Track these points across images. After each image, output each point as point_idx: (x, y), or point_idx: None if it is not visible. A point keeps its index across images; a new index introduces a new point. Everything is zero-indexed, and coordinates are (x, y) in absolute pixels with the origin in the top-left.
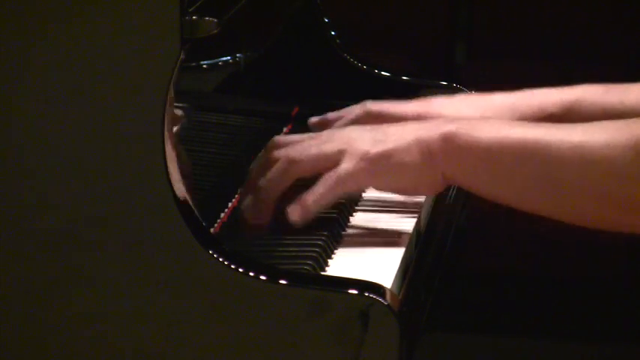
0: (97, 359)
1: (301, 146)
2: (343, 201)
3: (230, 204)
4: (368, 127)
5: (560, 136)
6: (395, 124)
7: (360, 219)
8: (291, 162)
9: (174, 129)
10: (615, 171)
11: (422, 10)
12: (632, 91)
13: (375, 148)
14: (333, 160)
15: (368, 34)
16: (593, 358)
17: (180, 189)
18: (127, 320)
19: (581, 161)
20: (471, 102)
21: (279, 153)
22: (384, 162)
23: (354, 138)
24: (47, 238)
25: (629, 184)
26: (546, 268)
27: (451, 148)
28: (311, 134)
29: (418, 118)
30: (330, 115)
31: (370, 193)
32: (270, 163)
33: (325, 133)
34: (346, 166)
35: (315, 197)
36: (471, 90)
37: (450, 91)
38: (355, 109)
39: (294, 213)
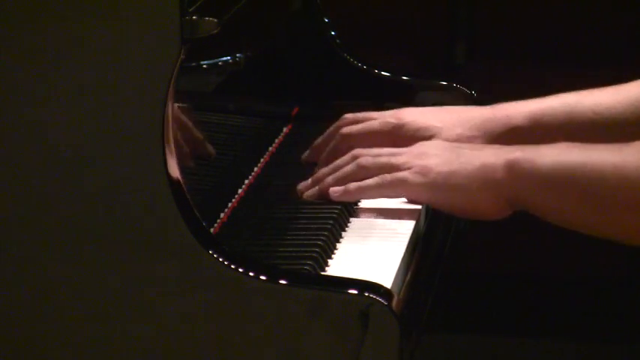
0: (96, 359)
1: (375, 155)
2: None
3: (230, 204)
4: (442, 146)
5: (602, 158)
6: (472, 146)
7: (360, 219)
8: (361, 168)
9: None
10: None
11: (422, 10)
12: (602, 97)
13: (439, 167)
14: (398, 170)
15: (368, 34)
16: (593, 358)
17: (180, 189)
18: (126, 320)
19: (619, 181)
20: (440, 114)
21: (356, 155)
22: (443, 181)
23: (427, 154)
24: (46, 238)
25: None
26: (546, 268)
27: (514, 175)
28: (395, 149)
29: (392, 130)
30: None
31: None
32: (346, 161)
33: (404, 149)
34: (404, 173)
35: (361, 186)
36: (471, 90)
37: (449, 90)
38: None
39: (335, 192)
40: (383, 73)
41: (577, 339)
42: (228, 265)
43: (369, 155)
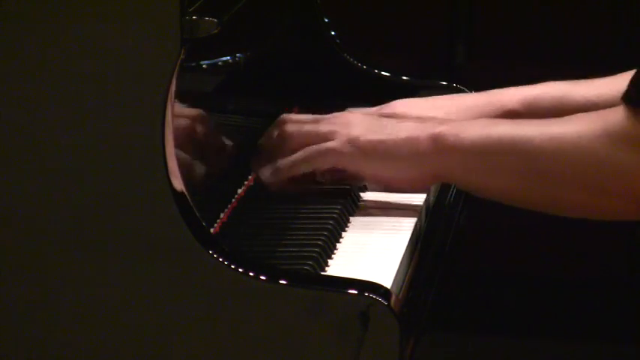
0: (96, 359)
1: (299, 124)
2: (343, 201)
3: (230, 204)
4: (369, 116)
5: (537, 129)
6: (395, 118)
7: (359, 219)
8: (286, 137)
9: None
10: (589, 159)
11: (422, 10)
12: (594, 85)
13: (365, 136)
14: (323, 138)
15: (368, 34)
16: (593, 358)
17: (180, 189)
18: (126, 320)
19: (558, 152)
20: (433, 103)
21: (281, 121)
22: (371, 150)
23: (352, 123)
24: (46, 239)
25: (602, 170)
26: (546, 268)
27: (439, 148)
28: (317, 115)
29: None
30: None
31: (370, 194)
32: (270, 137)
33: (328, 115)
34: (332, 143)
35: (289, 162)
36: (470, 90)
37: (449, 91)
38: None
39: (265, 172)
40: (383, 73)
41: (577, 339)
42: (228, 265)
43: (292, 123)
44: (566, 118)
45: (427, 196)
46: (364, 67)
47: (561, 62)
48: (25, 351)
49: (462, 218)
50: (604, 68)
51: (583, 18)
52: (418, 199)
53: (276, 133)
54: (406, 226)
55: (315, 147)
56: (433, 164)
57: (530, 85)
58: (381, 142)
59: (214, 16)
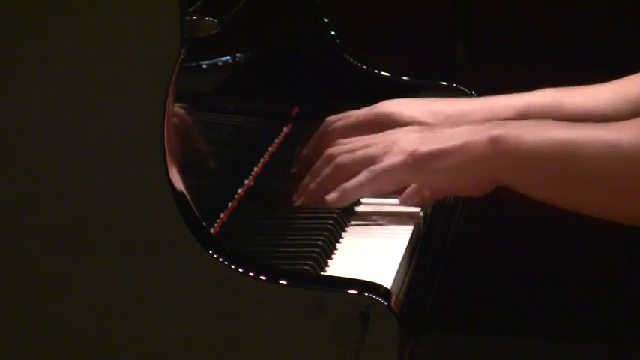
0: (95, 359)
1: (349, 151)
2: None
3: (230, 204)
4: (417, 129)
5: (594, 135)
6: (446, 126)
7: (360, 219)
8: (340, 167)
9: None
10: None
11: (422, 10)
12: (592, 93)
13: (422, 147)
14: (378, 160)
15: (368, 34)
16: (593, 358)
17: (179, 189)
18: (126, 320)
19: (612, 159)
20: (426, 106)
21: (330, 155)
22: (430, 161)
23: (401, 139)
24: (46, 239)
25: None
26: (546, 268)
27: (499, 151)
28: (361, 137)
29: (375, 119)
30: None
31: None
32: (321, 164)
33: (373, 137)
34: (391, 159)
35: (356, 186)
36: (471, 90)
37: (449, 91)
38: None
39: (333, 198)
40: (383, 73)
41: (577, 339)
42: (228, 265)
43: (344, 152)
44: (623, 123)
45: None
46: (364, 67)
47: (561, 62)
48: (25, 351)
49: (462, 218)
50: (604, 68)
51: (583, 18)
52: None
53: (327, 165)
54: (406, 226)
55: (377, 167)
56: (493, 168)
57: (524, 93)
58: (437, 151)
59: (214, 16)
